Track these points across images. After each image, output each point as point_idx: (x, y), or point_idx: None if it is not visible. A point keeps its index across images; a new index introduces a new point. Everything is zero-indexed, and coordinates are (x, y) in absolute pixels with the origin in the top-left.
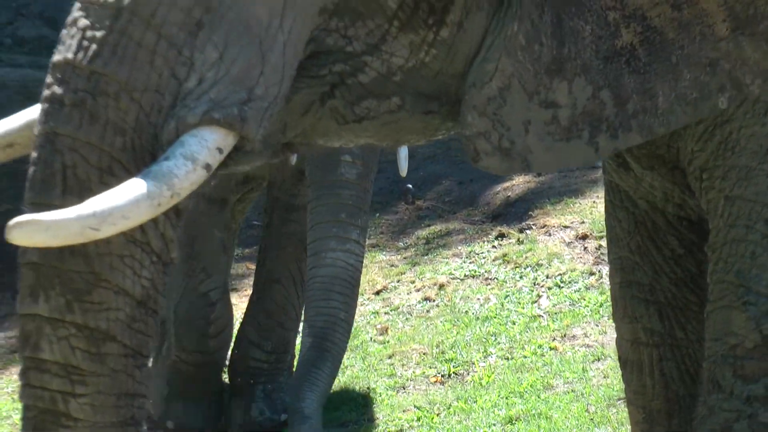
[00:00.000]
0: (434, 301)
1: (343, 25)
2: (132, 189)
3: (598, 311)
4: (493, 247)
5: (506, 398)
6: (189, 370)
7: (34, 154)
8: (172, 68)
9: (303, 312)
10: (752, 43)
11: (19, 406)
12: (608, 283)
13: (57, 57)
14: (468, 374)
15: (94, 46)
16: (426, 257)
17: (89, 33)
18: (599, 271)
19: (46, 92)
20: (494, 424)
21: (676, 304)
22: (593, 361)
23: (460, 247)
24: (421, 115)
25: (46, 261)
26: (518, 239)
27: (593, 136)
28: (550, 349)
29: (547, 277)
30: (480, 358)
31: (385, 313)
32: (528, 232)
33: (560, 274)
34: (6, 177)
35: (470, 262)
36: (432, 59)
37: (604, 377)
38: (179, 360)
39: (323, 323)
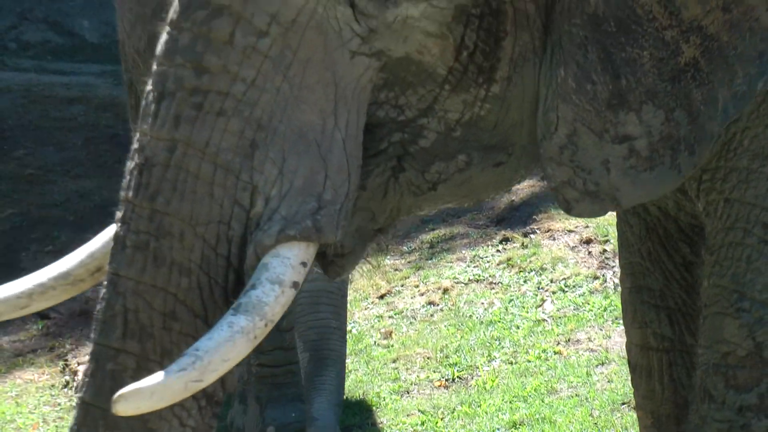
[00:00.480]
0: (438, 305)
1: (394, 96)
2: (226, 329)
3: (602, 315)
4: (498, 251)
5: (510, 402)
6: (273, 372)
7: (101, 293)
8: (233, 195)
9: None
10: None
11: (23, 410)
12: (612, 287)
13: (122, 193)
14: (472, 378)
15: (153, 183)
16: (430, 261)
17: (147, 169)
18: (603, 276)
19: (115, 228)
20: (498, 429)
21: (687, 311)
22: (597, 366)
23: (464, 251)
24: (491, 168)
25: (96, 401)
26: (522, 243)
27: (674, 158)
28: (554, 353)
29: (552, 281)
30: (484, 362)
31: (389, 317)
32: (532, 236)
33: (564, 279)
34: (9, 180)
35: (474, 266)
36: (487, 113)
37: (608, 382)
38: (261, 367)
39: (316, 335)
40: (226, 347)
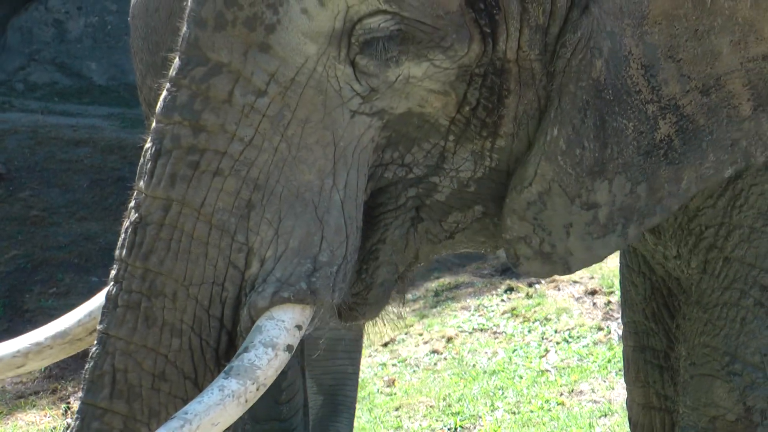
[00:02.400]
0: (442, 353)
1: (399, 155)
2: (216, 392)
3: (606, 367)
4: (502, 300)
5: None
6: None
7: (91, 351)
8: (228, 256)
9: (308, 368)
10: None
11: None
12: (617, 338)
13: (117, 252)
14: (475, 428)
15: (147, 243)
16: (434, 309)
17: (142, 227)
18: (608, 327)
19: (107, 288)
20: None
21: None
22: (600, 417)
23: (468, 300)
24: None
25: None
26: (527, 293)
27: (625, 227)
28: (557, 404)
29: (556, 331)
30: (487, 411)
31: (393, 365)
32: (537, 286)
33: (569, 329)
34: (15, 221)
35: (479, 315)
36: (497, 164)
37: None
38: None
39: (332, 380)
40: (216, 411)
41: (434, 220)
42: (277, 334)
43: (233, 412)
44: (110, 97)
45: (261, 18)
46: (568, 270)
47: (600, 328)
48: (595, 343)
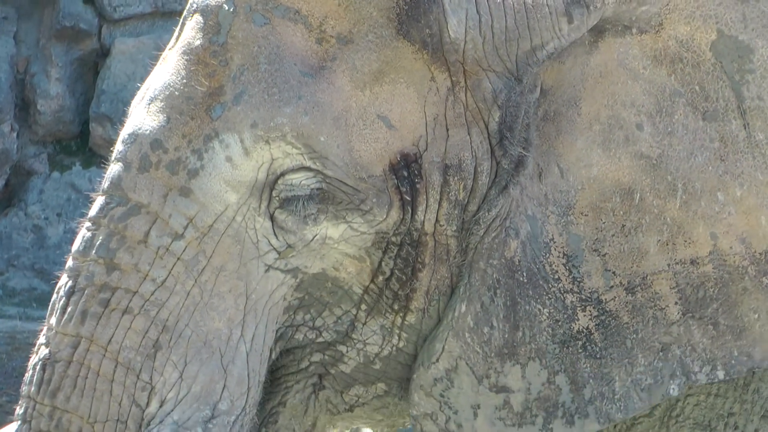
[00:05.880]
0: None
1: (310, 318)
2: None
3: None
4: None
5: None
6: None
7: None
8: (132, 394)
9: None
10: (701, 327)
11: None
12: None
13: (25, 388)
14: None
15: (55, 380)
16: None
17: (50, 365)
18: None
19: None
20: None
21: None
22: None
23: None
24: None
25: None
26: None
27: (548, 422)
28: None
29: None
30: None
31: None
32: None
33: None
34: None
35: None
36: (405, 343)
37: None
38: None
39: None
40: None
41: (336, 390)
42: None
43: None
44: None
45: (185, 162)
46: None
47: None
48: None
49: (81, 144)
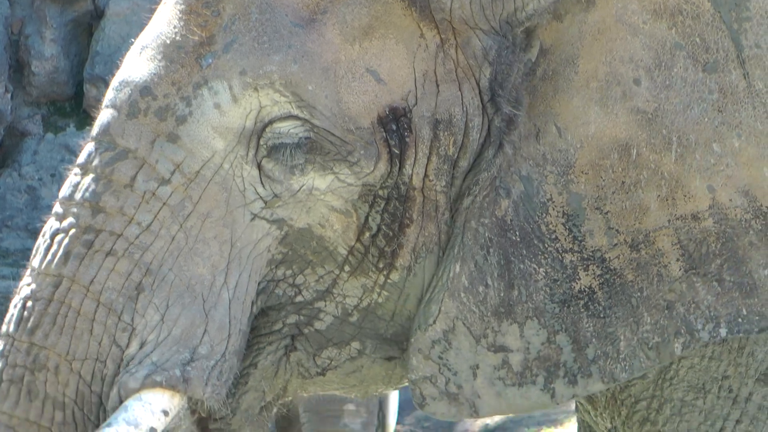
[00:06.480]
0: None
1: (291, 274)
2: None
3: None
4: None
5: None
6: None
7: None
8: (112, 335)
9: None
10: (705, 284)
11: None
12: None
13: (4, 327)
14: None
15: (34, 318)
16: None
17: (30, 303)
18: None
19: None
20: None
21: None
22: None
23: None
24: (382, 361)
25: None
26: None
27: (549, 381)
28: None
29: None
30: None
31: None
32: None
33: None
34: None
35: None
36: (384, 300)
37: None
38: None
39: None
40: None
41: (308, 353)
42: (141, 414)
43: None
44: None
45: (173, 109)
46: (476, 413)
47: None
48: None
49: (75, 105)
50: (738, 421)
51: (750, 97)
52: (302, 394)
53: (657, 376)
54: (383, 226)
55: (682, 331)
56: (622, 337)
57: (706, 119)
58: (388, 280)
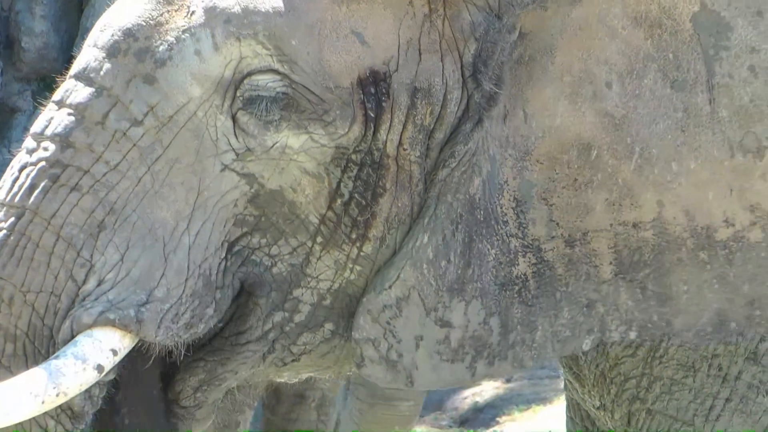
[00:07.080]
0: None
1: (266, 243)
2: (15, 386)
3: None
4: None
5: None
6: None
7: None
8: (70, 270)
9: None
10: (629, 290)
11: None
12: None
13: None
14: None
15: None
16: None
17: None
18: None
19: None
20: None
21: None
22: None
23: None
24: None
25: None
26: None
27: (474, 361)
28: None
29: None
30: None
31: None
32: None
33: None
34: None
35: None
36: (357, 276)
37: None
38: None
39: None
40: (11, 403)
41: (285, 346)
42: (90, 350)
43: (27, 409)
44: None
45: (153, 51)
46: (411, 384)
47: None
48: None
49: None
50: (727, 400)
51: (711, 123)
52: (276, 380)
53: (647, 354)
54: (356, 194)
55: (595, 329)
56: (540, 327)
57: (669, 136)
58: (361, 253)
